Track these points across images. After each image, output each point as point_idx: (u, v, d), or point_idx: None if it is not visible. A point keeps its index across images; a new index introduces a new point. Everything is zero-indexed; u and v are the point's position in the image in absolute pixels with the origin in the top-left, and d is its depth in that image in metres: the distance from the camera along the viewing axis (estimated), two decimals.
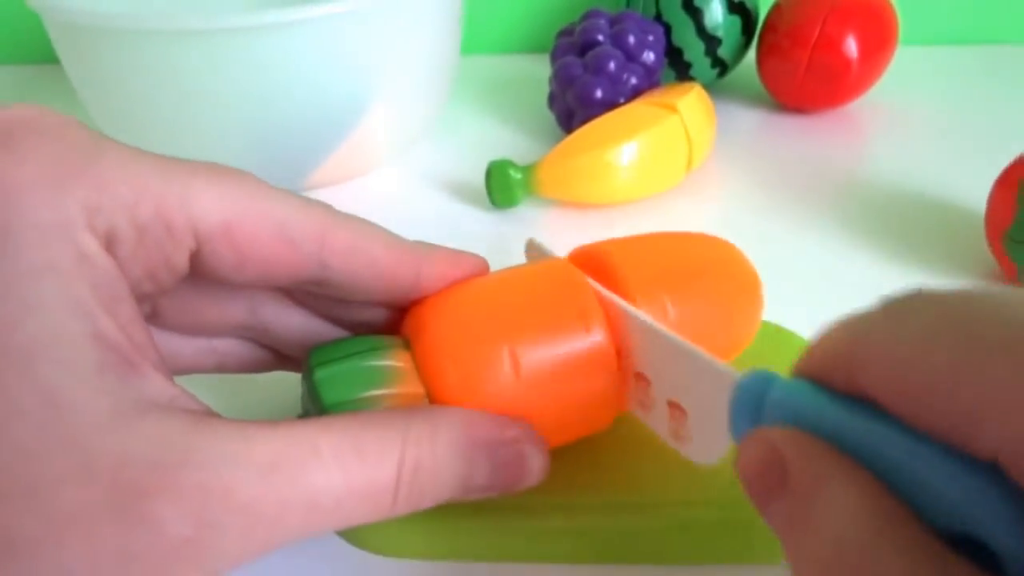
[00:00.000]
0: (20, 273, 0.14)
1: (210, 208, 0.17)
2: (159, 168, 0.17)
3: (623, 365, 0.20)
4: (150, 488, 0.14)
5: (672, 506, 0.21)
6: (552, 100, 0.44)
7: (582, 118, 0.41)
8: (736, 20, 0.46)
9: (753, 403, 0.15)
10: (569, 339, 0.19)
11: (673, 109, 0.38)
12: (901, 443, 0.12)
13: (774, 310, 0.24)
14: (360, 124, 0.38)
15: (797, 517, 0.13)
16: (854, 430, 0.13)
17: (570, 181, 0.37)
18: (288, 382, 0.24)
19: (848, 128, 0.46)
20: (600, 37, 0.42)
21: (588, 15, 0.43)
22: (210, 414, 0.16)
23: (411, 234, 0.21)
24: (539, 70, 0.50)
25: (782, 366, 0.16)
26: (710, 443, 0.18)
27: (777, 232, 0.35)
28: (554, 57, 0.44)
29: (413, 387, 0.19)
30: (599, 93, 0.41)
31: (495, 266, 0.22)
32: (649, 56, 0.42)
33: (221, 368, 0.22)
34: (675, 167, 0.38)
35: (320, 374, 0.19)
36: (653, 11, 0.46)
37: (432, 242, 0.21)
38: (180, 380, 0.18)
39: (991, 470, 0.11)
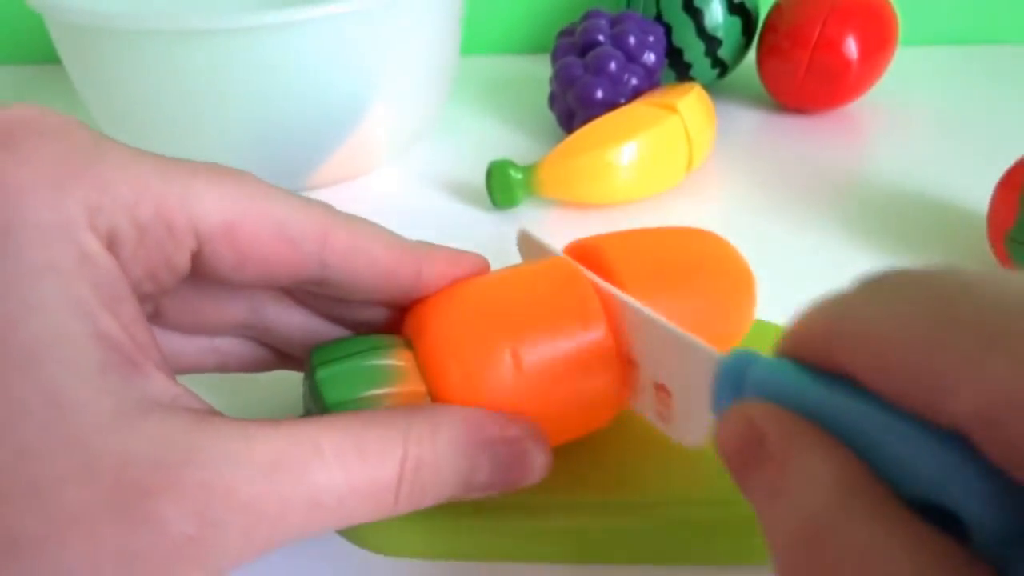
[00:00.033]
0: (22, 273, 0.14)
1: (211, 208, 0.17)
2: (160, 168, 0.17)
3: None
4: (152, 487, 0.14)
5: (672, 506, 0.21)
6: (553, 100, 0.44)
7: (583, 118, 0.41)
8: (736, 21, 0.46)
9: (734, 382, 0.15)
10: (570, 337, 0.19)
11: (673, 109, 0.38)
12: (875, 417, 0.12)
13: (774, 310, 0.24)
14: (360, 124, 0.38)
15: (772, 488, 0.13)
16: (830, 406, 0.13)
17: (571, 181, 0.37)
18: (289, 381, 0.24)
19: (848, 129, 0.46)
20: (601, 37, 0.42)
21: (588, 15, 0.43)
22: (212, 413, 0.16)
23: (411, 234, 0.21)
24: (540, 70, 0.50)
25: None
26: (694, 423, 0.18)
27: (777, 232, 0.35)
28: (555, 57, 0.44)
29: (415, 386, 0.19)
30: (600, 93, 0.41)
31: (495, 266, 0.22)
32: (649, 57, 0.42)
33: (223, 367, 0.22)
34: (675, 167, 0.38)
35: (322, 373, 0.19)
36: (653, 12, 0.46)
37: (432, 242, 0.21)
38: (182, 379, 0.18)
39: (960, 441, 0.11)
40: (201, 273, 0.18)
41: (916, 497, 0.12)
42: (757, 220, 0.36)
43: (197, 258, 0.17)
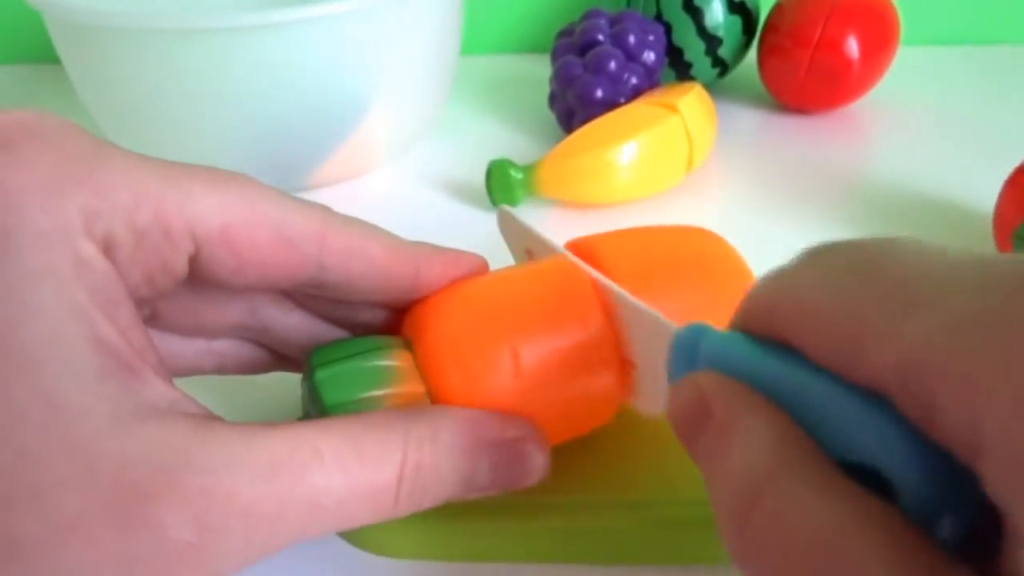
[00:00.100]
0: (20, 277, 0.14)
1: (208, 212, 0.17)
2: (157, 173, 0.17)
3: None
4: (152, 492, 0.14)
5: (671, 505, 0.21)
6: (552, 100, 0.44)
7: (582, 118, 0.41)
8: (737, 20, 0.46)
9: (688, 354, 0.16)
10: (569, 337, 0.19)
11: (674, 109, 0.38)
12: (809, 384, 0.13)
13: None
14: (360, 124, 0.38)
15: (715, 452, 0.14)
16: (772, 375, 0.14)
17: (570, 181, 0.37)
18: (288, 383, 0.24)
19: (849, 128, 0.46)
20: (600, 37, 0.42)
21: (588, 15, 0.43)
22: (211, 417, 0.16)
23: (411, 234, 0.21)
24: (539, 70, 0.50)
25: None
26: (654, 394, 0.18)
27: (777, 232, 0.35)
28: (554, 57, 0.44)
29: (414, 387, 0.19)
30: (599, 93, 0.41)
31: (495, 266, 0.22)
32: (649, 56, 0.42)
33: (221, 369, 0.22)
34: (675, 167, 0.38)
35: (321, 375, 0.19)
36: (653, 11, 0.46)
37: (432, 242, 0.21)
38: (179, 382, 0.18)
39: (886, 404, 0.12)
40: (199, 276, 0.18)
41: (850, 460, 0.12)
42: (757, 220, 0.36)
43: (195, 262, 0.17)
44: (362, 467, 0.16)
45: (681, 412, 0.15)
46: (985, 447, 0.10)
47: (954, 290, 0.11)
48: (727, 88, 0.51)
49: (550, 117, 0.46)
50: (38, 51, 0.59)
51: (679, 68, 0.47)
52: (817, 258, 0.14)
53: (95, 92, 0.37)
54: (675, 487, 0.21)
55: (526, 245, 0.25)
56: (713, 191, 0.39)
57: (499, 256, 0.23)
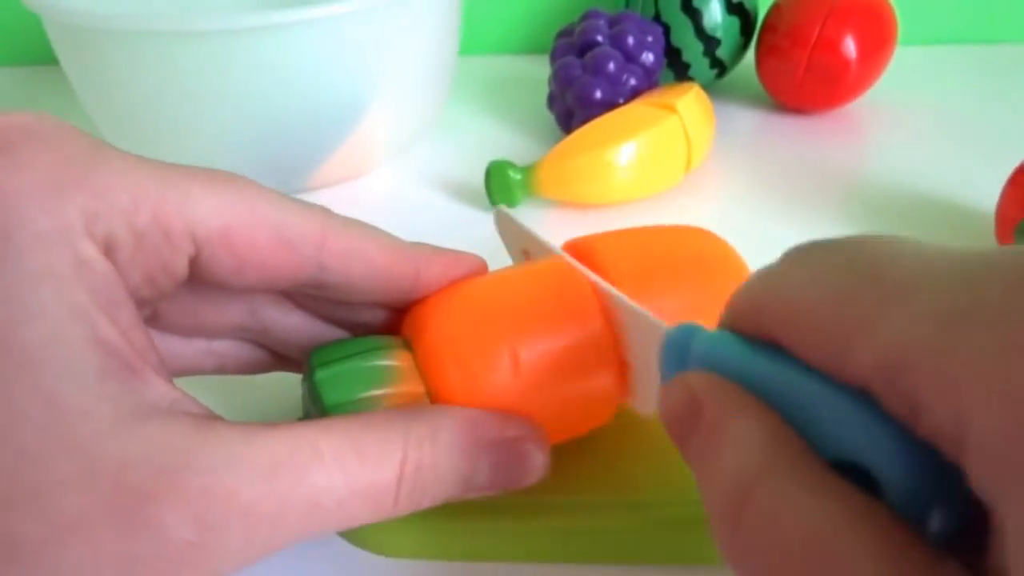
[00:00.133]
0: (20, 279, 0.15)
1: (208, 213, 0.17)
2: (157, 174, 0.17)
3: None
4: (152, 493, 0.14)
5: (671, 505, 0.21)
6: (551, 100, 0.44)
7: (581, 118, 0.41)
8: (735, 21, 0.46)
9: (679, 354, 0.16)
10: (568, 337, 0.19)
11: (672, 109, 0.38)
12: (797, 382, 0.13)
13: None
14: (360, 124, 0.38)
15: (706, 451, 0.14)
16: (761, 373, 0.14)
17: (569, 181, 0.37)
18: (288, 383, 0.24)
19: (847, 128, 0.46)
20: (599, 38, 0.42)
21: (587, 16, 0.43)
22: (211, 417, 0.16)
23: (410, 235, 0.21)
24: (538, 71, 0.50)
25: None
26: (650, 394, 0.19)
27: (776, 232, 0.35)
28: (553, 58, 0.44)
29: (414, 387, 0.19)
30: (598, 93, 0.41)
31: (494, 267, 0.22)
32: (648, 57, 0.42)
33: (221, 369, 0.22)
34: (674, 167, 0.38)
35: (321, 375, 0.19)
36: (652, 12, 0.46)
37: (431, 243, 0.21)
38: (179, 382, 0.18)
39: (871, 400, 0.12)
40: (199, 277, 0.18)
41: (839, 458, 0.12)
42: (756, 220, 0.36)
43: (195, 263, 0.17)
44: (362, 466, 0.16)
45: (672, 412, 0.15)
46: (969, 443, 0.10)
47: (932, 286, 0.11)
48: (725, 88, 0.51)
49: (549, 118, 0.47)
50: (37, 53, 0.59)
51: (677, 69, 0.47)
52: (801, 257, 0.14)
53: (94, 94, 0.37)
54: (675, 487, 0.21)
55: (523, 246, 0.25)
56: (712, 191, 0.39)
57: (498, 257, 0.23)
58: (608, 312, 0.20)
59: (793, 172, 0.41)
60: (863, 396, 0.12)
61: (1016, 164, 0.31)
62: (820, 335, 0.12)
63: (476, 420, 0.18)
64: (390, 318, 0.22)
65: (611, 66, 0.41)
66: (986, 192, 0.34)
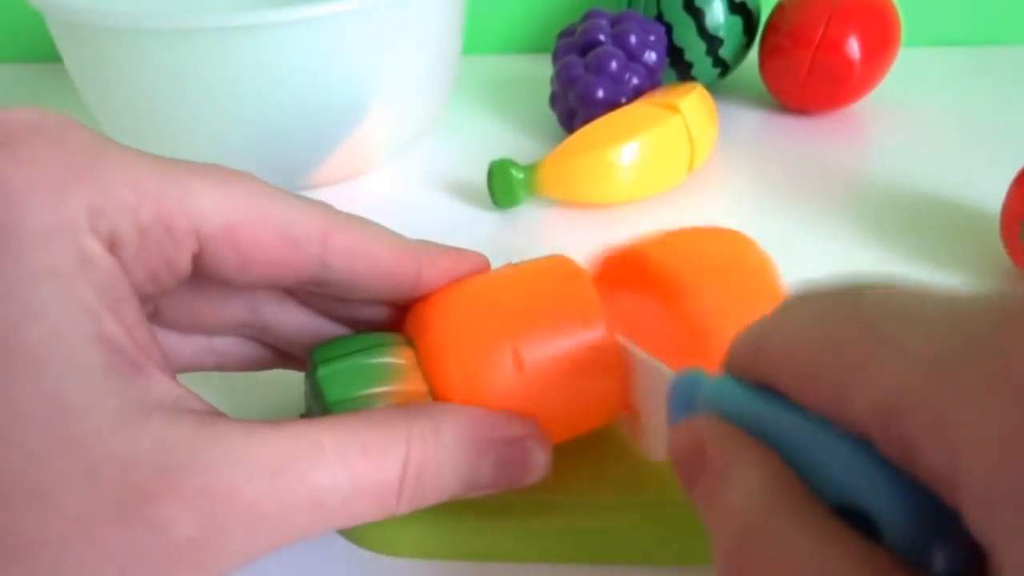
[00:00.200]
0: (22, 277, 0.14)
1: (212, 210, 0.17)
2: (160, 170, 0.17)
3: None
4: (155, 490, 0.14)
5: (672, 505, 0.21)
6: (554, 100, 0.44)
7: (584, 118, 0.41)
8: (737, 20, 0.46)
9: (685, 399, 0.16)
10: (571, 335, 0.19)
11: (675, 109, 0.38)
12: (797, 427, 0.13)
13: None
14: (361, 124, 0.38)
15: (712, 496, 0.14)
16: (763, 418, 0.14)
17: (572, 181, 0.37)
18: (289, 381, 0.24)
19: (850, 129, 0.46)
20: (601, 37, 0.42)
21: (589, 15, 0.43)
22: (215, 414, 0.16)
23: (412, 234, 0.21)
24: (541, 70, 0.50)
25: None
26: (659, 440, 0.19)
27: (779, 233, 0.35)
28: (556, 57, 0.44)
29: (416, 384, 0.19)
30: (601, 93, 0.41)
31: (496, 265, 0.22)
32: (651, 56, 0.42)
33: (221, 367, 0.22)
34: (677, 167, 0.38)
35: (323, 372, 0.19)
36: (654, 11, 0.46)
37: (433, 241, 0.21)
38: (182, 379, 0.18)
39: (866, 443, 0.12)
40: (202, 274, 0.18)
41: (840, 502, 0.12)
42: (759, 220, 0.36)
43: (198, 260, 0.17)
44: (365, 463, 0.16)
45: (679, 455, 0.15)
46: (961, 486, 0.10)
47: (923, 331, 0.11)
48: (728, 88, 0.51)
49: (551, 117, 0.46)
50: (40, 50, 0.59)
51: (680, 68, 0.47)
52: (797, 305, 0.14)
53: (97, 92, 0.37)
54: (675, 487, 0.21)
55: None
56: (714, 191, 0.39)
57: (499, 256, 0.23)
58: (619, 360, 0.20)
59: (796, 173, 0.41)
60: (861, 441, 0.12)
61: (1021, 164, 0.30)
62: (817, 382, 0.13)
63: (479, 418, 0.18)
64: (392, 315, 0.22)
65: (613, 65, 0.41)
66: (990, 193, 0.34)
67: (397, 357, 0.19)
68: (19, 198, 0.15)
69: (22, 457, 0.14)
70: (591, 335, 0.19)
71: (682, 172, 0.38)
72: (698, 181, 0.40)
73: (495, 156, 0.38)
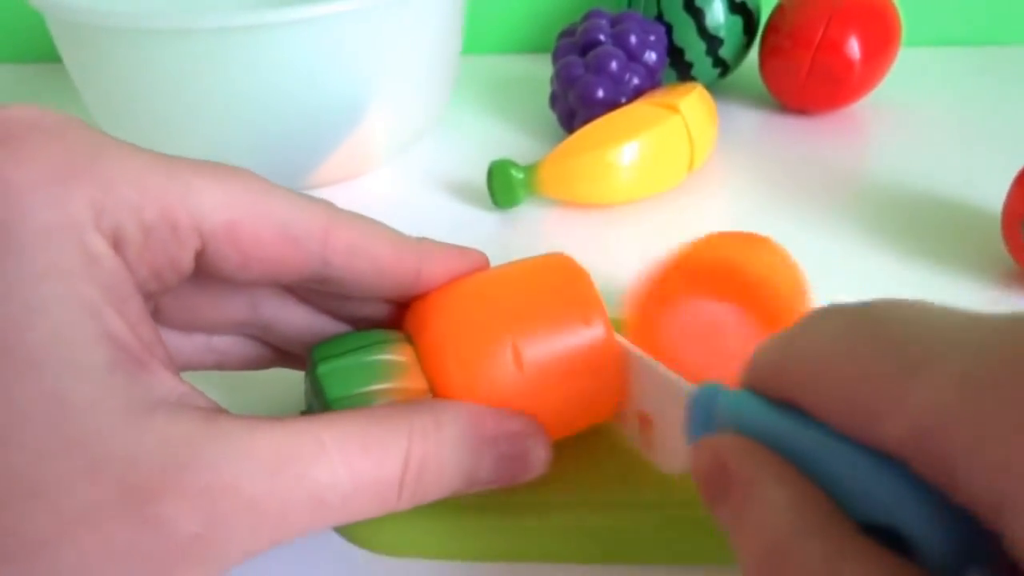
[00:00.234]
0: (22, 276, 0.14)
1: (214, 207, 0.17)
2: (162, 167, 0.17)
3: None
4: (158, 488, 0.14)
5: (673, 505, 0.21)
6: (554, 100, 0.44)
7: (584, 118, 0.41)
8: (738, 20, 0.46)
9: (704, 414, 0.16)
10: (571, 332, 0.19)
11: (675, 109, 0.38)
12: (825, 445, 0.13)
13: None
14: (361, 124, 0.38)
15: (737, 515, 0.14)
16: (787, 435, 0.14)
17: (572, 181, 0.37)
18: (290, 380, 0.24)
19: (851, 129, 0.46)
20: (601, 37, 0.42)
21: (589, 15, 0.43)
22: (218, 411, 0.16)
23: (412, 234, 0.21)
24: (541, 70, 0.50)
25: None
26: (674, 452, 0.19)
27: (779, 233, 0.35)
28: (556, 57, 0.44)
29: (416, 382, 0.19)
30: (601, 93, 0.41)
31: (495, 263, 0.22)
32: (651, 56, 0.42)
33: (221, 365, 0.22)
34: (677, 167, 0.38)
35: (323, 369, 0.19)
36: (654, 11, 0.46)
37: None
38: (185, 376, 0.18)
39: (900, 462, 0.12)
40: (204, 272, 0.18)
41: (869, 520, 0.12)
42: (759, 221, 0.36)
43: (201, 257, 0.17)
44: (366, 459, 0.16)
45: (702, 475, 0.15)
46: (1007, 509, 0.10)
47: (957, 352, 0.11)
48: (728, 89, 0.51)
49: (551, 117, 0.46)
50: (40, 50, 0.59)
51: (680, 68, 0.47)
52: (821, 323, 0.14)
53: (96, 92, 0.37)
54: (677, 487, 0.21)
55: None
56: (714, 191, 0.39)
57: (501, 256, 0.23)
58: (630, 370, 0.20)
59: (796, 173, 0.41)
60: (890, 459, 0.12)
61: (1022, 164, 0.30)
62: (846, 403, 0.13)
63: (480, 414, 0.18)
64: (393, 313, 0.22)
65: (613, 65, 0.41)
66: (991, 193, 0.34)
67: (397, 354, 0.19)
68: (20, 196, 0.15)
69: (22, 456, 0.14)
70: (591, 333, 0.19)
71: (682, 172, 0.38)
72: (698, 181, 0.40)
73: (495, 156, 0.38)
